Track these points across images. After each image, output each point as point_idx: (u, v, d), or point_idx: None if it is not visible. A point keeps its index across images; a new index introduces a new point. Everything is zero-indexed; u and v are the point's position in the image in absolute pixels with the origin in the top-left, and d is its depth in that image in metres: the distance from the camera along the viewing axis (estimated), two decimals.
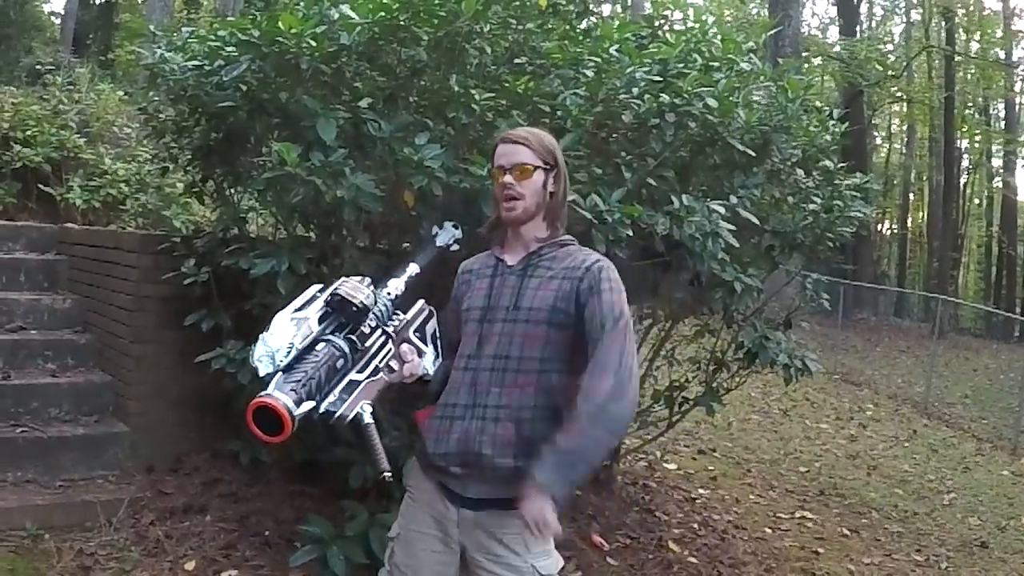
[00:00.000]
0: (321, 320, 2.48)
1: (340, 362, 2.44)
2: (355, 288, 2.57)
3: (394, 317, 2.76)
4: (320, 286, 2.63)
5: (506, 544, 2.76)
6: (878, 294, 29.49)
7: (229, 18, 5.69)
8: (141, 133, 8.26)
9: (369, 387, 2.50)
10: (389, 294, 2.80)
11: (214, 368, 4.82)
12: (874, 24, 39.11)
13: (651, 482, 7.28)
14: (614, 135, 4.69)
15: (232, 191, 5.31)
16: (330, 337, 2.47)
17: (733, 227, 4.43)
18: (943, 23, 32.26)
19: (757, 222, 4.74)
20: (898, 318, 30.38)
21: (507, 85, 4.38)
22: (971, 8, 33.07)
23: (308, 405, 2.28)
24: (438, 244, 3.24)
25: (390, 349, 2.67)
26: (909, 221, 46.85)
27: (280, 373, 2.32)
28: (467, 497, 2.81)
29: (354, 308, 2.54)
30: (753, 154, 4.78)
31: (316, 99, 4.20)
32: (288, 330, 2.41)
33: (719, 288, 4.77)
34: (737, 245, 4.50)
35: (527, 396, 2.75)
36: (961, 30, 34.23)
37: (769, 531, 6.96)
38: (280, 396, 2.23)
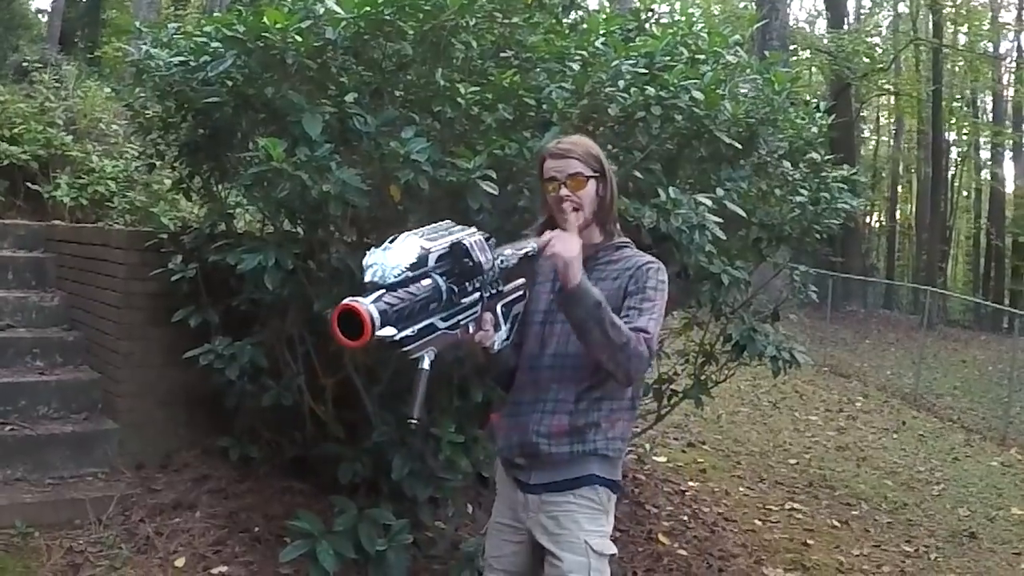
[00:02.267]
0: (439, 259, 2.49)
1: (434, 304, 2.45)
2: (481, 247, 2.59)
3: (495, 285, 2.77)
4: (452, 224, 2.63)
5: (561, 522, 2.97)
6: (867, 286, 29.53)
7: (215, 14, 5.66)
8: (128, 130, 8.22)
9: (443, 337, 2.51)
10: (502, 262, 2.78)
11: (202, 364, 4.82)
12: (861, 17, 39.10)
13: (641, 475, 7.29)
14: (600, 128, 4.68)
15: (219, 187, 5.31)
16: (438, 278, 2.48)
17: (720, 220, 4.44)
18: (930, 15, 32.27)
19: (744, 214, 4.75)
20: (887, 310, 30.43)
21: (493, 79, 4.38)
22: (959, 0, 33.09)
23: (390, 331, 2.28)
24: None
25: (476, 312, 2.68)
26: (898, 213, 46.98)
27: (383, 289, 2.32)
28: (530, 484, 3.04)
29: (470, 263, 2.55)
30: (740, 147, 4.79)
31: (302, 94, 4.20)
32: (410, 254, 2.41)
33: (707, 281, 4.79)
34: (724, 238, 4.51)
35: (582, 391, 2.98)
36: (948, 22, 34.22)
37: (759, 523, 6.98)
38: (371, 307, 2.24)
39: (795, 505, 7.64)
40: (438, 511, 5.00)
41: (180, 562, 4.53)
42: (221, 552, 4.66)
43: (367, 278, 2.36)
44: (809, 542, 6.73)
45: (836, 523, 7.39)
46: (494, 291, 2.76)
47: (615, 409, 3.01)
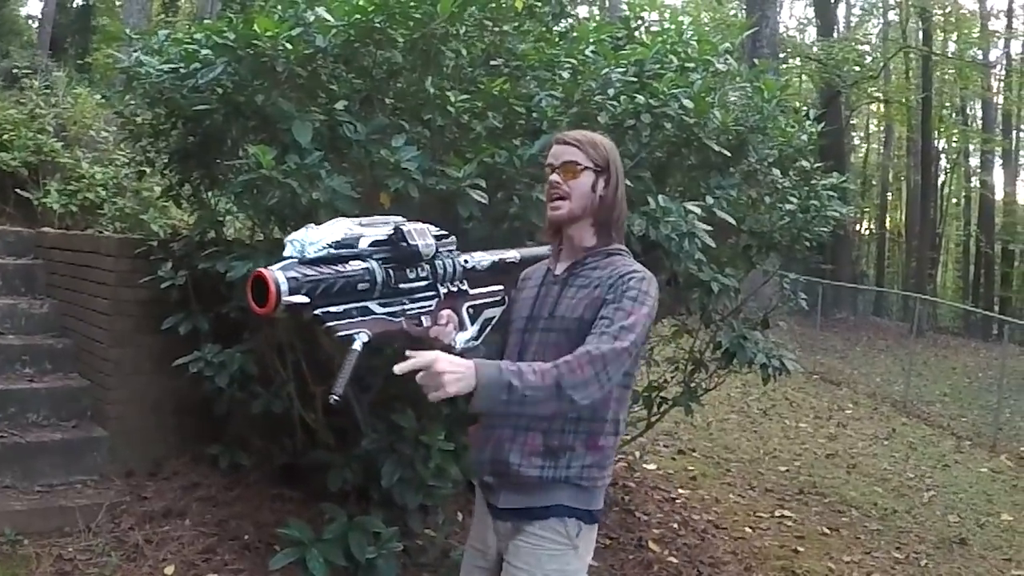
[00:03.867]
0: (375, 244, 2.47)
1: (363, 285, 2.41)
2: (420, 232, 2.56)
3: (456, 283, 2.72)
4: (399, 219, 2.60)
5: (519, 555, 2.77)
6: (857, 293, 29.57)
7: (206, 21, 5.67)
8: (118, 137, 8.19)
9: (380, 323, 2.46)
10: (466, 262, 2.76)
11: (192, 372, 4.83)
12: (851, 25, 39.21)
13: (631, 482, 7.30)
14: None
15: (209, 194, 5.30)
16: (373, 262, 2.45)
17: (710, 227, 4.44)
18: (920, 23, 32.33)
19: (734, 222, 4.76)
20: (877, 317, 30.47)
21: (483, 87, 4.39)
22: (948, 8, 33.18)
23: (301, 299, 2.26)
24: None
25: (430, 306, 2.63)
26: (887, 221, 47.08)
27: (297, 261, 2.32)
28: (498, 508, 2.83)
29: (407, 247, 2.52)
30: (729, 155, 4.80)
31: (292, 102, 4.21)
32: (337, 232, 2.40)
33: (696, 288, 4.79)
34: (714, 245, 4.51)
35: None
36: (938, 30, 34.30)
37: (749, 530, 6.99)
38: (278, 274, 2.24)
39: (785, 512, 7.65)
40: (428, 519, 5.00)
41: (170, 570, 4.52)
42: (211, 560, 4.65)
43: (286, 252, 2.35)
44: (799, 549, 6.73)
45: (826, 530, 7.40)
46: (454, 288, 2.72)
47: (594, 432, 2.75)
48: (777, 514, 7.56)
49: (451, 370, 2.40)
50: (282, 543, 4.49)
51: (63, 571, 4.42)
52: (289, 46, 4.06)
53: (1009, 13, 37.39)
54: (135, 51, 4.80)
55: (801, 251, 5.62)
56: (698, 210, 4.40)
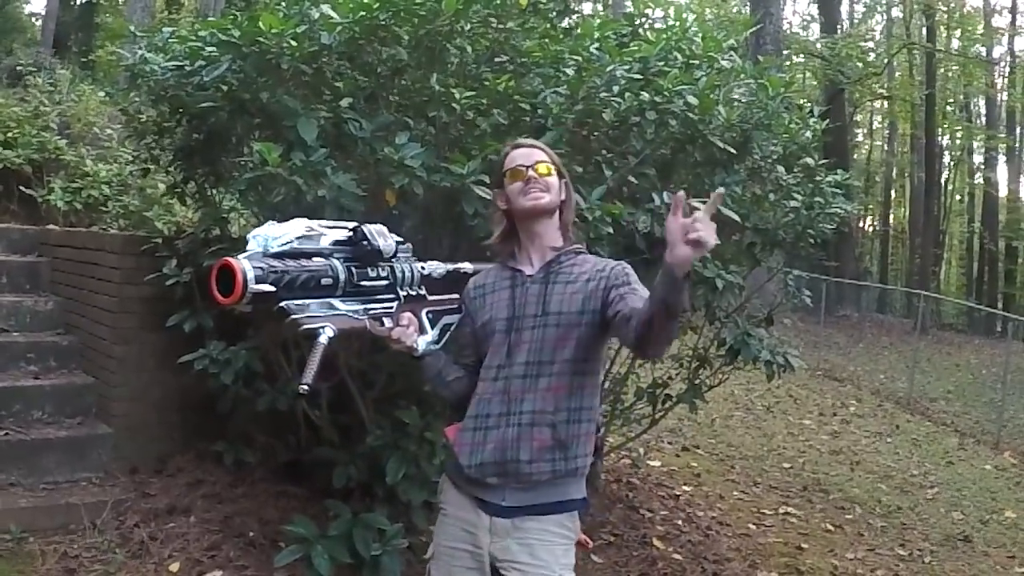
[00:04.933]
0: (337, 243, 2.54)
1: (327, 281, 2.47)
2: (380, 232, 2.63)
3: (416, 288, 2.81)
4: (358, 223, 2.68)
5: (536, 553, 2.77)
6: (860, 290, 29.58)
7: (210, 18, 5.66)
8: (122, 134, 8.22)
9: (344, 319, 2.52)
10: (423, 268, 2.85)
11: (197, 369, 4.83)
12: (855, 21, 39.16)
13: (635, 479, 7.30)
14: (595, 133, 4.69)
15: (214, 191, 5.30)
16: (332, 259, 2.51)
17: (714, 224, 4.43)
18: (924, 20, 32.29)
19: (738, 219, 4.75)
20: (880, 314, 30.45)
21: (488, 84, 4.39)
22: (952, 5, 33.16)
23: (267, 288, 2.30)
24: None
25: (390, 307, 2.71)
26: (891, 217, 47.09)
27: (262, 253, 2.37)
28: (503, 506, 2.82)
29: (368, 247, 2.59)
30: (734, 152, 4.80)
31: (297, 99, 4.20)
32: (299, 228, 2.46)
33: (701, 285, 4.80)
34: (718, 242, 4.50)
35: (560, 399, 2.78)
36: (942, 27, 34.30)
37: (753, 527, 6.99)
38: (244, 263, 2.28)
39: (789, 509, 7.65)
40: (432, 515, 4.99)
41: (175, 567, 4.52)
42: (216, 557, 4.66)
43: (249, 247, 2.40)
44: (803, 546, 6.73)
45: (830, 527, 7.39)
46: (414, 292, 2.80)
47: (591, 420, 2.85)
48: (781, 511, 7.56)
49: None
50: (287, 540, 4.50)
51: (68, 568, 4.42)
52: (294, 43, 4.06)
53: (1013, 9, 37.45)
54: (139, 48, 4.80)
55: (805, 248, 5.62)
56: (703, 207, 4.39)
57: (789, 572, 6.17)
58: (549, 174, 2.91)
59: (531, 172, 2.89)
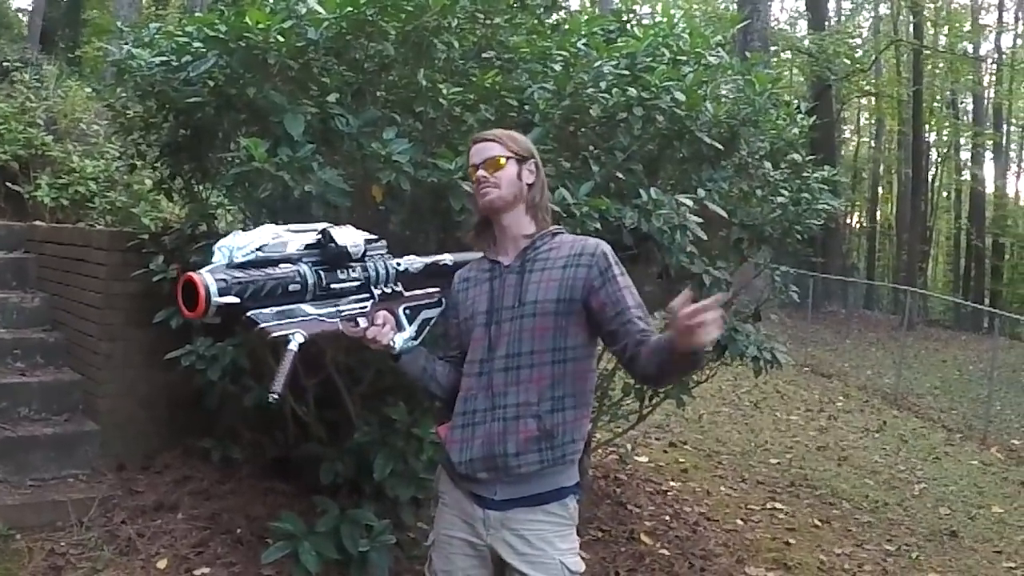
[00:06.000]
0: (307, 247, 2.55)
1: (294, 287, 2.48)
2: (348, 234, 2.64)
3: (391, 285, 2.81)
4: (325, 225, 2.67)
5: (532, 542, 2.80)
6: (847, 286, 29.61)
7: (197, 13, 5.65)
8: (109, 130, 8.19)
9: (315, 324, 2.53)
10: (398, 264, 2.85)
11: (184, 365, 4.82)
12: (842, 18, 39.23)
13: (622, 475, 7.31)
14: (582, 129, 4.70)
15: (201, 187, 5.29)
16: (303, 265, 2.52)
17: (701, 220, 4.45)
18: (911, 17, 32.36)
19: (725, 215, 4.77)
20: (868, 310, 30.60)
21: (475, 79, 4.39)
22: (939, 2, 33.25)
23: (231, 300, 2.31)
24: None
25: (365, 307, 2.71)
26: (878, 214, 47.22)
27: (225, 264, 2.38)
28: (495, 500, 2.85)
29: (336, 248, 2.59)
30: (721, 147, 4.81)
31: (284, 94, 4.19)
32: (264, 236, 2.46)
33: (688, 281, 4.79)
34: (705, 238, 4.52)
35: (544, 389, 2.79)
36: (929, 24, 34.35)
37: (740, 522, 7.00)
38: (207, 276, 2.29)
39: (777, 504, 7.67)
40: (420, 512, 4.99)
41: (162, 564, 4.51)
42: (203, 553, 4.65)
43: (214, 259, 2.41)
44: (791, 541, 6.75)
45: (817, 522, 7.42)
46: (389, 290, 2.80)
47: (579, 406, 2.84)
48: (768, 506, 7.58)
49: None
50: (274, 536, 4.49)
51: (55, 566, 4.41)
52: (281, 38, 4.04)
53: (1000, 7, 37.57)
54: (126, 44, 4.77)
55: (792, 244, 5.63)
56: (690, 203, 4.41)
57: (776, 567, 6.19)
58: (500, 168, 2.90)
59: (480, 171, 2.91)
